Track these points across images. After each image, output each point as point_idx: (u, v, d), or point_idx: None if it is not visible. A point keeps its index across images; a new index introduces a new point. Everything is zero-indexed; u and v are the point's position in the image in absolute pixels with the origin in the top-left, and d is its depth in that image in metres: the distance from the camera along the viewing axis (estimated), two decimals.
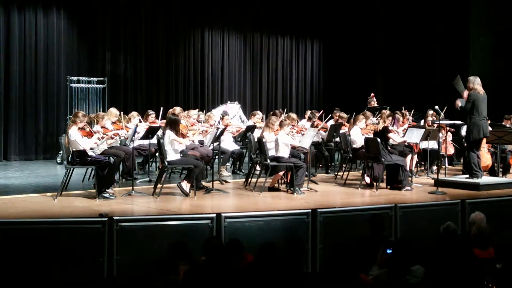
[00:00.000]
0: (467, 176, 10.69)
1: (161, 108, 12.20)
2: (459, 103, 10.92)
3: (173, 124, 9.68)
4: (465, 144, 11.04)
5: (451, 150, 13.02)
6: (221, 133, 10.54)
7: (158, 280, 4.68)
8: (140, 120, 11.71)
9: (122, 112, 11.91)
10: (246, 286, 4.75)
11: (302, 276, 5.09)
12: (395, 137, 10.77)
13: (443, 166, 12.30)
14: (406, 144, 11.36)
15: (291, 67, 19.58)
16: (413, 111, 12.97)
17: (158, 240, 7.45)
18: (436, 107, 11.28)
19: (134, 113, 11.87)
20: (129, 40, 16.01)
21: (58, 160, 13.41)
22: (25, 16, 14.25)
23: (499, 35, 17.16)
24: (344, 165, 12.07)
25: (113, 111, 11.62)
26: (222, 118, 12.30)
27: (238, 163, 12.47)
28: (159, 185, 9.47)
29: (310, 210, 8.24)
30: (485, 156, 12.02)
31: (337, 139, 12.30)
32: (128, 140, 10.74)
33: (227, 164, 12.33)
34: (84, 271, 6.92)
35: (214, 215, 7.79)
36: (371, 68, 19.74)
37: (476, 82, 10.42)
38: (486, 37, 17.35)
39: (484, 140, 11.22)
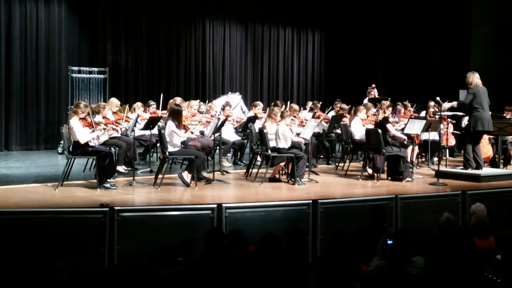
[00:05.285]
0: (462, 167, 10.75)
1: (161, 95, 12.18)
2: (447, 106, 10.90)
3: (176, 115, 9.66)
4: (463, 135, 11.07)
5: (452, 142, 13.02)
6: (222, 123, 10.54)
7: (164, 270, 4.69)
8: (143, 110, 11.76)
9: (128, 103, 11.96)
10: (247, 276, 4.76)
11: (302, 267, 5.10)
12: (392, 129, 10.75)
13: (444, 158, 12.30)
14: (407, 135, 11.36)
15: (292, 58, 19.53)
16: (415, 105, 12.98)
17: (159, 230, 7.48)
18: (437, 98, 11.26)
19: (138, 104, 11.93)
20: (130, 30, 15.99)
21: (59, 150, 13.42)
22: (26, 6, 14.22)
23: (500, 25, 17.12)
24: (345, 156, 12.07)
25: (114, 101, 11.66)
26: (223, 109, 12.29)
27: (239, 153, 12.48)
28: (160, 176, 9.47)
29: (311, 201, 8.25)
30: (486, 148, 12.03)
31: (338, 130, 12.30)
32: (129, 130, 10.78)
33: (228, 155, 12.34)
34: (85, 261, 6.94)
35: (215, 205, 7.81)
36: (372, 59, 19.70)
37: (475, 77, 10.49)
38: (487, 28, 17.31)
39: None
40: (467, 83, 10.53)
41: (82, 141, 9.07)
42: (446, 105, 10.92)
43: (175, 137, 9.58)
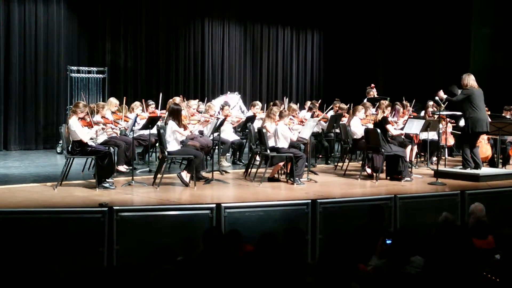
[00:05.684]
0: (461, 166, 10.77)
1: (161, 95, 12.19)
2: (442, 94, 10.88)
3: (175, 114, 9.66)
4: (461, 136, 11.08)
5: (451, 141, 13.02)
6: (221, 123, 10.53)
7: (153, 270, 4.69)
8: (142, 110, 11.75)
9: (124, 103, 11.96)
10: (246, 276, 4.75)
11: (301, 266, 5.09)
12: (392, 129, 10.76)
13: (443, 157, 12.29)
14: (406, 135, 11.36)
15: (291, 58, 19.54)
16: (414, 101, 12.97)
17: (158, 230, 7.47)
18: (437, 97, 11.26)
19: (137, 103, 11.92)
20: (129, 30, 15.99)
21: (58, 150, 13.42)
22: (25, 6, 14.21)
23: (500, 26, 17.11)
24: (344, 156, 12.06)
25: (113, 101, 11.65)
26: (222, 109, 12.29)
27: (238, 153, 12.47)
28: (159, 175, 9.47)
29: (310, 201, 8.24)
30: (484, 147, 12.04)
31: (337, 130, 12.30)
32: (128, 130, 10.77)
33: (227, 154, 12.33)
34: (84, 261, 6.93)
35: (214, 205, 7.80)
36: (372, 59, 19.70)
37: (470, 79, 10.53)
38: (487, 29, 17.30)
39: None
40: (462, 85, 10.58)
41: (85, 139, 9.09)
42: (442, 94, 10.87)
43: (178, 136, 9.58)
